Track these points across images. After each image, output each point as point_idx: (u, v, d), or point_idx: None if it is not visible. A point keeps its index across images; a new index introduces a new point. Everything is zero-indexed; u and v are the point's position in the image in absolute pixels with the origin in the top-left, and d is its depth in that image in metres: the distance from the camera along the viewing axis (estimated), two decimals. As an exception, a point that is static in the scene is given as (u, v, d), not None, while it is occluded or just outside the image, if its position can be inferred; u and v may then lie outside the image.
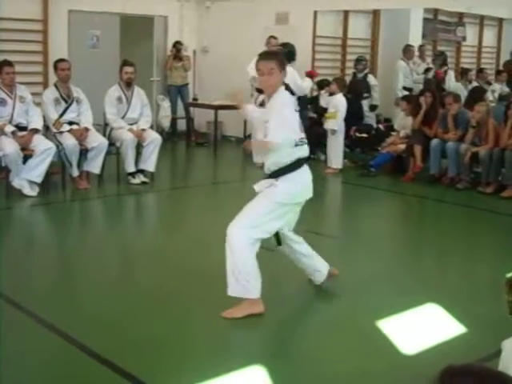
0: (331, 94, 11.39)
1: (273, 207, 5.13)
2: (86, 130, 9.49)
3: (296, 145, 5.03)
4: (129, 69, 10.02)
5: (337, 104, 11.11)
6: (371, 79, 13.34)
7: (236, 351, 4.56)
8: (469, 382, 1.63)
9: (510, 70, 16.65)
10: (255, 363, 4.34)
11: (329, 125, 11.24)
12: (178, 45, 13.96)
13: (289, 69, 10.75)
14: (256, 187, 5.22)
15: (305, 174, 5.27)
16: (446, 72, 12.92)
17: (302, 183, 5.27)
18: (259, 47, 12.22)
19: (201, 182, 10.76)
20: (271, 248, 5.52)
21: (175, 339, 4.77)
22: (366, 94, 12.85)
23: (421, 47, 15.07)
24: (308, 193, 5.36)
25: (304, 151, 5.17)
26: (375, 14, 14.52)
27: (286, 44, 11.09)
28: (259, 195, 5.21)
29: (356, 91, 12.35)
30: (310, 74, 11.54)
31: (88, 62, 12.27)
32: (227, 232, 5.14)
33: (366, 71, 13.26)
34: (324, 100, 12.03)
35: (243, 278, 5.07)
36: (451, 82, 13.06)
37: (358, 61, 13.32)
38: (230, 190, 10.26)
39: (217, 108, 13.21)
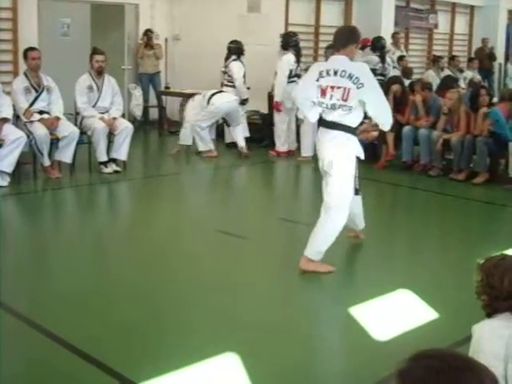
0: None
1: None
2: (57, 119, 9.39)
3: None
4: (99, 57, 9.94)
5: None
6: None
7: (209, 338, 4.54)
8: (431, 364, 1.65)
9: (481, 58, 16.79)
10: (229, 350, 4.34)
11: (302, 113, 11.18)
12: (148, 33, 13.86)
13: (236, 63, 11.47)
14: None
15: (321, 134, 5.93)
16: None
17: None
18: (232, 35, 12.25)
19: (173, 170, 10.72)
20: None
21: (148, 328, 4.75)
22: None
23: (394, 35, 15.10)
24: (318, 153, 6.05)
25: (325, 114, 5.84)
26: (347, 1, 14.54)
27: (234, 41, 11.93)
28: None
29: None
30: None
31: (58, 51, 12.18)
32: None
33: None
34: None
35: None
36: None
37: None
38: (202, 178, 10.24)
39: (189, 96, 13.13)
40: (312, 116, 5.95)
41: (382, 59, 13.07)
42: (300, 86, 6.45)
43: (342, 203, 5.77)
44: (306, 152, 11.18)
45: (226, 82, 12.01)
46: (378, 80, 12.45)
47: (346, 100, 5.59)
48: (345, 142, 5.72)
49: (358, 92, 5.56)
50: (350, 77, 5.57)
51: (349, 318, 4.96)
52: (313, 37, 14.24)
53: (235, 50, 11.92)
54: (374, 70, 12.91)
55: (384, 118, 5.88)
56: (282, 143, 11.56)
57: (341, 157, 5.71)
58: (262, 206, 8.68)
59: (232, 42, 11.97)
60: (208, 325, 4.82)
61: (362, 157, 5.88)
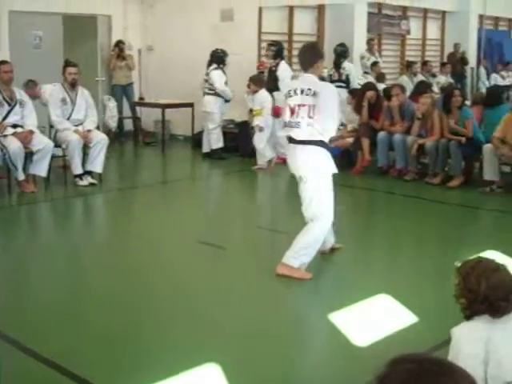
0: (255, 92, 11.37)
1: None
2: (31, 132, 9.31)
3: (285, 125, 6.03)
4: (72, 69, 9.87)
5: (261, 101, 11.12)
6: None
7: (190, 349, 4.52)
8: (411, 368, 1.65)
9: (453, 62, 16.91)
10: (210, 360, 4.32)
11: (255, 122, 11.26)
12: (120, 44, 13.82)
13: (217, 72, 11.53)
14: None
15: (290, 150, 6.03)
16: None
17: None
18: (205, 44, 12.26)
19: (150, 181, 10.67)
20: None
21: (128, 340, 4.72)
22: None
23: (369, 41, 15.16)
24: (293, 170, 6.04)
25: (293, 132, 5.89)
26: (320, 9, 14.56)
27: (217, 50, 12.04)
28: None
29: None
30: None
31: (31, 63, 12.09)
32: None
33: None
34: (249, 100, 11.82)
35: None
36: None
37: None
38: (179, 188, 10.20)
39: (164, 107, 13.14)
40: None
41: (336, 66, 12.97)
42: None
43: (321, 214, 5.86)
44: (262, 160, 11.24)
45: (207, 91, 11.97)
46: (339, 87, 12.56)
47: (311, 117, 5.76)
48: (317, 156, 5.84)
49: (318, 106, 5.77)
50: (315, 94, 5.76)
51: (329, 324, 4.96)
52: (286, 45, 14.23)
53: (216, 58, 11.96)
54: (330, 76, 12.96)
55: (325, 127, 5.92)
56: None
57: (315, 171, 5.85)
58: (239, 216, 8.67)
59: (215, 51, 12.00)
60: (189, 335, 4.80)
61: (335, 171, 5.96)
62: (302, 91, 5.82)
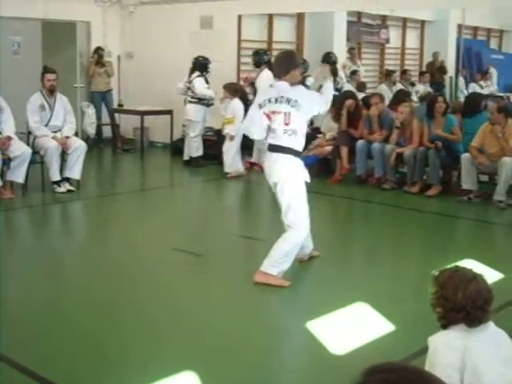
0: (230, 100, 11.38)
1: None
2: (9, 138, 9.24)
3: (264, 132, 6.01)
4: (51, 76, 9.82)
5: (234, 109, 11.13)
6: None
7: (168, 357, 4.49)
8: (387, 377, 1.64)
9: (432, 71, 17.01)
10: (187, 369, 4.30)
11: (226, 130, 11.28)
12: (99, 50, 13.77)
13: (199, 79, 11.50)
14: None
15: (268, 158, 6.05)
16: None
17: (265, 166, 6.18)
18: (185, 52, 12.23)
19: (128, 188, 10.62)
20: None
21: (108, 346, 4.69)
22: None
23: (350, 50, 15.23)
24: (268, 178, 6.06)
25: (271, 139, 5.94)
26: (299, 17, 14.61)
27: (199, 57, 12.03)
28: None
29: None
30: None
31: (9, 69, 12.03)
32: None
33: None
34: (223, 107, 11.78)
35: None
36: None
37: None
38: (157, 196, 10.16)
39: (143, 114, 13.10)
40: (258, 135, 6.18)
41: (334, 75, 13.06)
42: (249, 114, 6.55)
43: (299, 222, 5.91)
44: (229, 169, 11.22)
45: (189, 99, 11.92)
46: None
47: (288, 124, 5.85)
48: (292, 164, 5.90)
49: (299, 113, 5.85)
50: (288, 101, 5.85)
51: (307, 333, 4.95)
52: (266, 53, 14.27)
53: (199, 66, 11.92)
54: (321, 86, 12.95)
55: (327, 100, 6.33)
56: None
57: (290, 179, 5.90)
58: (216, 223, 8.65)
59: (197, 58, 11.98)
60: (166, 343, 4.78)
61: (308, 180, 6.02)
62: (276, 99, 5.89)
